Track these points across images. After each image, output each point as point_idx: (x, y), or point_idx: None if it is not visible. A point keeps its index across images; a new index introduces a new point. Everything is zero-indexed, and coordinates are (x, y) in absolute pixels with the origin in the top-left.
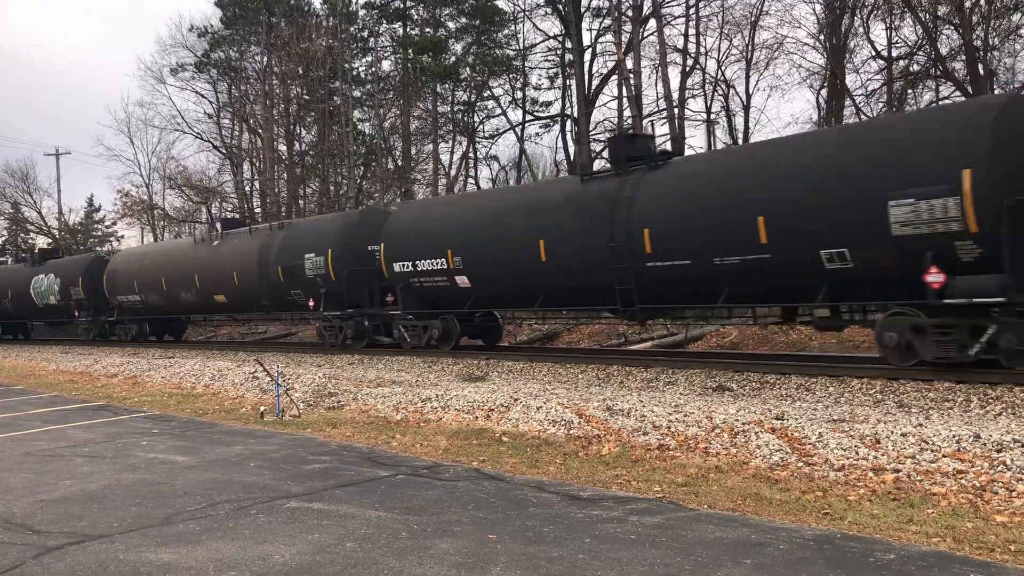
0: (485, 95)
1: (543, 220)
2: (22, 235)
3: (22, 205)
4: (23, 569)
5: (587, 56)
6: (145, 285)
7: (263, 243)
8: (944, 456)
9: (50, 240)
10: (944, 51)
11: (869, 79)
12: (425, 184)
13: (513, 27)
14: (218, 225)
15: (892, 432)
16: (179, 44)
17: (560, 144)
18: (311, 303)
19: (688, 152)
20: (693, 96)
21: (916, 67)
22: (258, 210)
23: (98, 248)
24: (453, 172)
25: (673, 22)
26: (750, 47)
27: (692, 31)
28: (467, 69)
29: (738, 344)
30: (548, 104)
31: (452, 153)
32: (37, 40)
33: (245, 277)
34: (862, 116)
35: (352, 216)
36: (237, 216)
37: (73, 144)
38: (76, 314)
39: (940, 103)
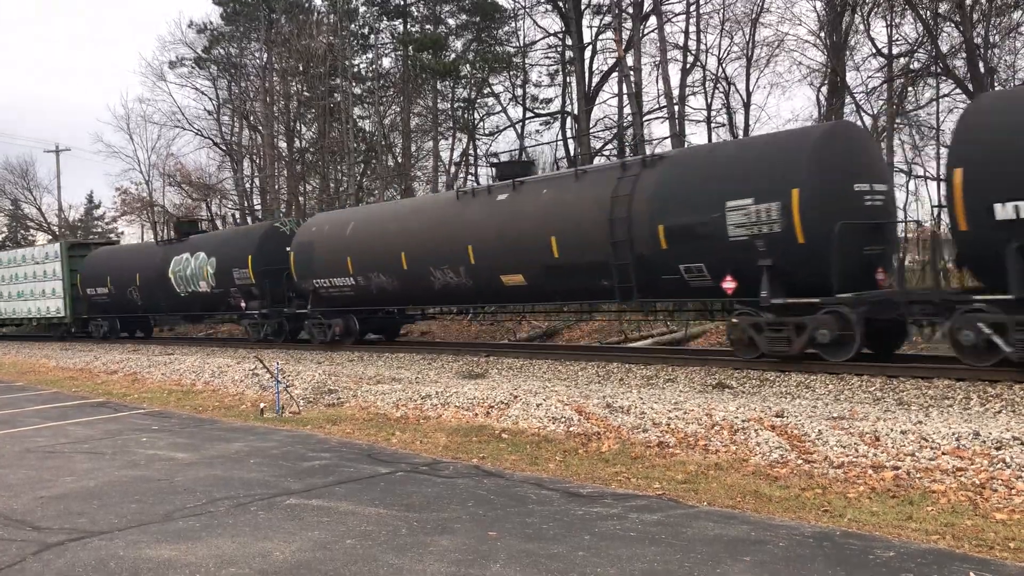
0: (485, 92)
1: None
2: (22, 232)
3: (22, 202)
4: (23, 565)
5: (587, 53)
6: (367, 263)
7: (615, 191)
8: (943, 454)
9: (50, 237)
10: (945, 49)
11: (870, 76)
12: (425, 181)
13: (513, 24)
14: (491, 173)
15: (892, 430)
16: (179, 41)
17: (560, 141)
18: (728, 284)
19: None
20: (694, 93)
21: (917, 65)
22: (258, 207)
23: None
24: (453, 169)
25: (674, 19)
26: (751, 44)
27: (693, 28)
28: (467, 66)
29: None
30: (548, 101)
31: (452, 150)
32: (37, 39)
33: (574, 245)
34: (862, 113)
35: (820, 132)
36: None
37: (72, 141)
38: (243, 305)
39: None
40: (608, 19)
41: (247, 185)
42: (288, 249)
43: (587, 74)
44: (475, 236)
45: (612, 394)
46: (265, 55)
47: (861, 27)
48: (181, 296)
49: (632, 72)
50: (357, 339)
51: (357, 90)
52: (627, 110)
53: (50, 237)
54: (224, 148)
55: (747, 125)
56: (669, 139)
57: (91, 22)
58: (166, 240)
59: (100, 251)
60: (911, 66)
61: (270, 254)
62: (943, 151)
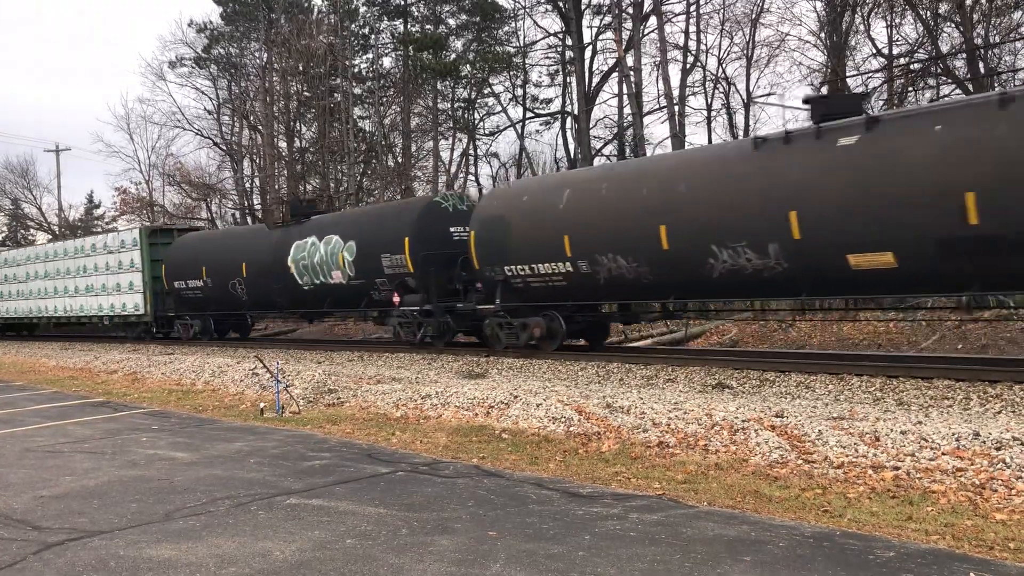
0: (485, 92)
1: None
2: (22, 231)
3: (22, 201)
4: (24, 565)
5: (587, 53)
6: (597, 242)
7: None
8: (943, 454)
9: (50, 236)
10: (945, 49)
11: (870, 77)
12: (425, 181)
13: (513, 24)
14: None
15: (891, 430)
16: (179, 41)
17: (560, 141)
18: None
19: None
20: (694, 93)
21: (917, 65)
22: (258, 207)
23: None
24: (453, 169)
25: (674, 19)
26: (751, 45)
27: (693, 28)
28: (467, 66)
29: (737, 342)
30: (548, 101)
31: (452, 150)
32: (37, 39)
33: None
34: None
35: None
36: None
37: (72, 141)
38: (396, 300)
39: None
40: (608, 19)
41: (247, 185)
42: (453, 230)
43: (587, 74)
44: (800, 199)
45: (612, 394)
46: (265, 55)
47: (861, 27)
48: (304, 289)
49: (632, 72)
50: (558, 344)
51: (357, 90)
52: (627, 110)
53: (50, 237)
54: (224, 148)
55: (747, 125)
56: (669, 139)
57: (91, 22)
58: (280, 223)
59: (190, 237)
60: (911, 66)
61: (432, 236)
62: None
